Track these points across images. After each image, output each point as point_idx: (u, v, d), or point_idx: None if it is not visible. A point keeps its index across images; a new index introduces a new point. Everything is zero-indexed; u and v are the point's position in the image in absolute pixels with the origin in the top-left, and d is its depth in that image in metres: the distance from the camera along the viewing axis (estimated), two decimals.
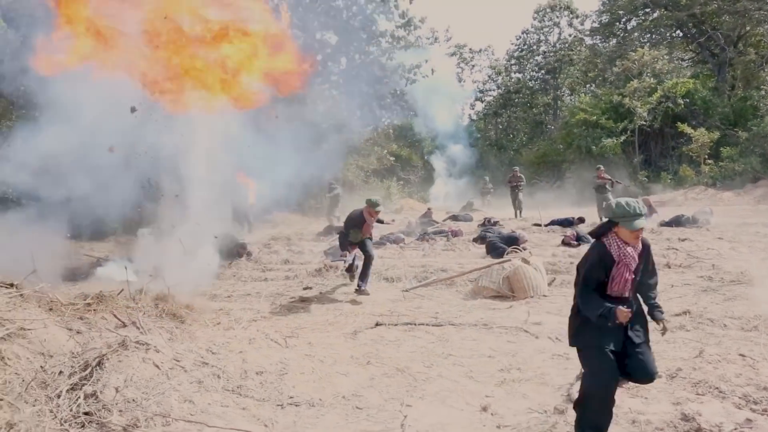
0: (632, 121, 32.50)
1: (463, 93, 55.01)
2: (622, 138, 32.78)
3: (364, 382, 5.75)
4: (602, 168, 20.34)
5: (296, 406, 5.20)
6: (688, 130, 29.75)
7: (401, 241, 16.38)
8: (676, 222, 17.58)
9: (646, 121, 32.34)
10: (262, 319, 8.41)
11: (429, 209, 24.13)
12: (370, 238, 10.69)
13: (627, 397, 5.23)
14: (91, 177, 11.71)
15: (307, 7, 44.25)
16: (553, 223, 18.41)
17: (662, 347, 6.65)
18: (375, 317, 8.38)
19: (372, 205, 10.32)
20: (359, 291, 10.26)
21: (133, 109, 10.23)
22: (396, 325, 7.92)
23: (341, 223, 13.36)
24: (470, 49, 54.68)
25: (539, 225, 18.42)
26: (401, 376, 5.92)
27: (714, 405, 4.93)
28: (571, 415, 4.92)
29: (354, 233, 10.30)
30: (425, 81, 51.80)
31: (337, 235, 13.92)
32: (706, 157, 29.38)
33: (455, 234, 17.04)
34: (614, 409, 4.97)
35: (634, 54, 34.97)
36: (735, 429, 4.47)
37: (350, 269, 10.93)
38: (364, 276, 10.38)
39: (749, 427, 4.47)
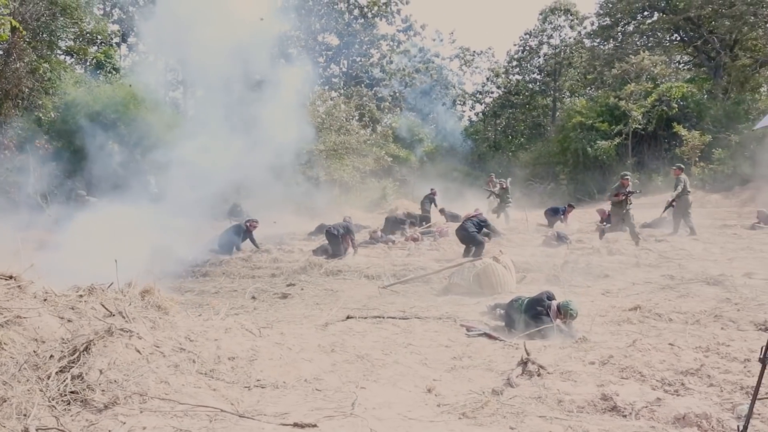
0: (627, 124, 33.06)
1: (463, 94, 55.81)
2: (617, 141, 33.35)
3: (327, 367, 6.33)
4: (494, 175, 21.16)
5: (262, 387, 5.76)
6: (682, 131, 30.29)
7: (390, 241, 16.99)
8: (657, 224, 18.18)
9: (640, 124, 32.88)
10: (243, 312, 9.05)
11: (432, 189, 25.02)
12: None
13: (558, 381, 5.81)
14: None
15: (309, 9, 45.05)
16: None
17: (604, 338, 7.26)
18: (348, 311, 8.99)
19: (567, 313, 7.65)
20: None
21: None
22: (365, 318, 8.53)
23: None
24: (473, 51, 55.50)
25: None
26: (361, 363, 6.50)
27: (632, 386, 5.51)
28: (506, 395, 5.51)
29: None
30: (425, 83, 52.66)
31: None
32: (697, 159, 29.87)
33: (441, 234, 17.63)
34: (543, 391, 5.59)
35: (632, 57, 35.52)
36: (645, 406, 5.04)
37: None
38: None
39: (658, 405, 5.04)
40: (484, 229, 13.94)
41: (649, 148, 34.70)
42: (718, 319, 7.96)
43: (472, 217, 14.16)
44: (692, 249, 14.06)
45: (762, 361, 4.43)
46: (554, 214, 20.22)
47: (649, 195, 28.95)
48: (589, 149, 33.81)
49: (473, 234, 13.59)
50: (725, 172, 28.13)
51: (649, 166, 33.41)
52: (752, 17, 34.15)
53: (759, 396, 4.59)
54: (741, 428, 4.50)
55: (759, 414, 4.83)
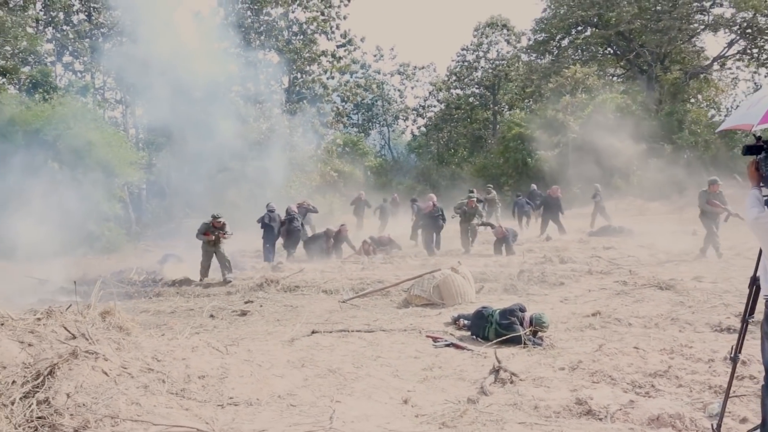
0: (565, 135, 33.81)
1: (405, 109, 56.33)
2: (556, 151, 34.05)
3: (299, 382, 6.27)
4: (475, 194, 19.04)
5: (235, 405, 5.67)
6: (618, 143, 31.13)
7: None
8: (603, 232, 18.63)
9: (578, 134, 33.66)
10: (204, 331, 8.91)
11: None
12: None
13: (531, 387, 5.89)
14: None
15: (248, 26, 44.75)
16: None
17: (569, 344, 7.39)
18: (312, 326, 8.93)
19: (540, 325, 7.80)
20: None
21: None
22: (331, 332, 8.49)
23: None
24: (414, 66, 56.06)
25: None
26: (333, 377, 6.46)
27: (605, 390, 5.63)
28: (482, 403, 5.54)
29: None
30: (367, 98, 52.98)
31: None
32: (635, 168, 30.72)
33: (395, 247, 17.68)
34: (518, 397, 5.65)
35: (567, 71, 36.40)
36: (619, 409, 5.14)
37: None
38: None
39: (631, 407, 5.15)
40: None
41: (590, 158, 35.49)
42: (675, 322, 8.19)
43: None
44: (640, 255, 14.46)
45: (733, 360, 4.58)
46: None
47: (591, 205, 29.58)
48: (529, 160, 34.44)
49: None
50: (662, 181, 29.00)
51: (588, 176, 34.14)
52: (677, 32, 35.45)
53: (729, 394, 4.74)
54: (715, 426, 4.63)
55: (729, 412, 4.97)
